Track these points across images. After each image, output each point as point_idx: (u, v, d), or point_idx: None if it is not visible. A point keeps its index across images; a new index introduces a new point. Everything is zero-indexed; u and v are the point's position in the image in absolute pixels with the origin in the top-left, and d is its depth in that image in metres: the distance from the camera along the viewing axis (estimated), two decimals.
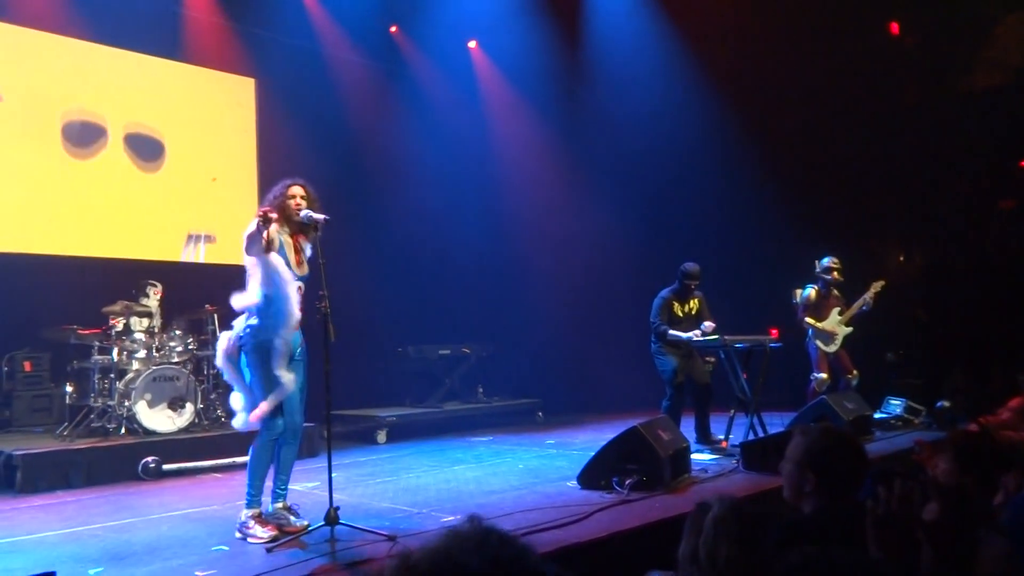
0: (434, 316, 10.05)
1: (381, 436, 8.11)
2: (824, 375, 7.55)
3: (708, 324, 6.75)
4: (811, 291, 7.67)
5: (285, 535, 4.07)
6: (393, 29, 10.59)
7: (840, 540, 2.02)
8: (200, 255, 8.92)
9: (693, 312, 7.10)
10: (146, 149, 8.78)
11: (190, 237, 8.91)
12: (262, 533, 4.04)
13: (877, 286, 7.59)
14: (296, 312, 4.22)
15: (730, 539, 1.84)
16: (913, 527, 1.91)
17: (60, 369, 7.35)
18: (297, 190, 4.35)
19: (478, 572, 1.10)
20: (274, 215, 4.17)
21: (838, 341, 7.61)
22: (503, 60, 11.01)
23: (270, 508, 4.26)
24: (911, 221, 9.82)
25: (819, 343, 7.63)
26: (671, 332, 6.85)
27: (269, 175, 4.52)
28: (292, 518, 4.22)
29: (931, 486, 2.08)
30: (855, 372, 7.59)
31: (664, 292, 7.13)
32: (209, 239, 9.00)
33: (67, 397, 7.02)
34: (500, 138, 11.28)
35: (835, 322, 7.61)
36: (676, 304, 7.05)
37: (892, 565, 1.86)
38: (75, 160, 8.28)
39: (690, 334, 6.74)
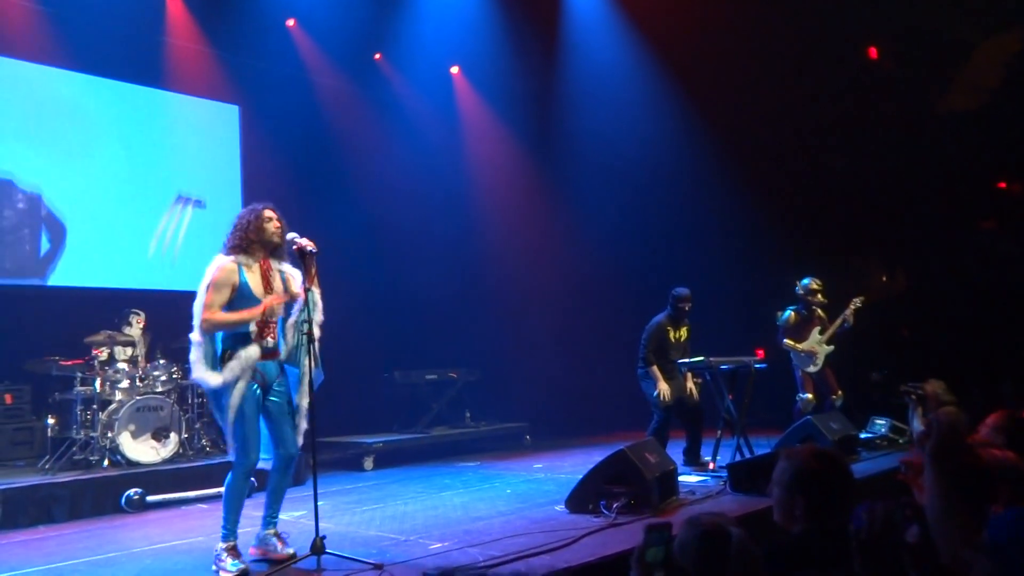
0: (421, 341, 10.02)
1: (368, 462, 8.04)
2: (810, 395, 7.55)
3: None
4: (791, 313, 7.68)
5: (271, 564, 4.03)
6: (377, 56, 10.66)
7: (829, 563, 2.02)
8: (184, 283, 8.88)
9: (683, 339, 7.09)
10: (130, 177, 8.76)
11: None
12: (230, 567, 3.95)
13: (857, 302, 7.60)
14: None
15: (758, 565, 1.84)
16: (898, 550, 1.91)
17: (42, 401, 7.25)
18: (271, 214, 4.29)
19: None
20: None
21: (819, 361, 7.59)
22: (485, 85, 11.10)
23: (260, 532, 4.23)
24: (893, 241, 9.92)
25: (800, 365, 7.64)
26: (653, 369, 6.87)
27: (254, 201, 4.52)
28: (279, 546, 4.17)
29: (914, 508, 2.08)
30: (839, 392, 7.58)
31: (659, 317, 7.07)
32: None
33: (49, 430, 6.89)
34: (484, 163, 11.34)
35: (815, 341, 7.60)
36: (670, 329, 7.02)
37: None
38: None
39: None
